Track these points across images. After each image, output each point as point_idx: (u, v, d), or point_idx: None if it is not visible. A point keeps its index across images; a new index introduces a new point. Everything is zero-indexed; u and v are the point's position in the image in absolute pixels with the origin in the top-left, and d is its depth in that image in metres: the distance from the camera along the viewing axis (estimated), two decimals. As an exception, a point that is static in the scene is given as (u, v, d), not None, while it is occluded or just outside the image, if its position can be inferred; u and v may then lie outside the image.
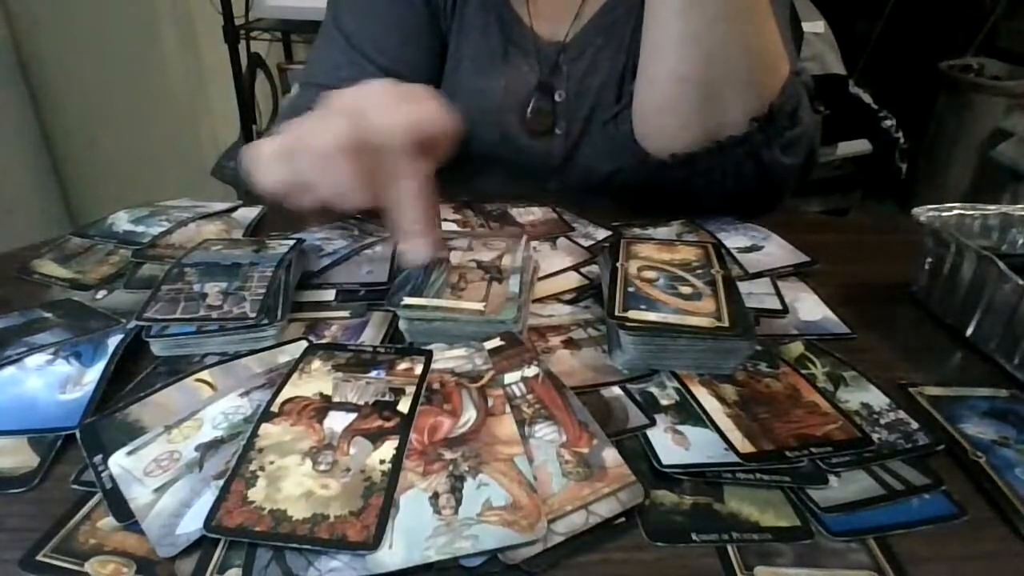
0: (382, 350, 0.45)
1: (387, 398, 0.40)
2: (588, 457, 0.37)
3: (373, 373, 0.42)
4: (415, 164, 0.46)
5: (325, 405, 0.39)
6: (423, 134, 0.45)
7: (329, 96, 0.48)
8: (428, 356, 0.44)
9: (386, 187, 0.46)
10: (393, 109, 0.45)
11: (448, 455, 0.36)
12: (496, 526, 0.32)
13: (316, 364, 0.43)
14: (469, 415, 0.39)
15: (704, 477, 0.37)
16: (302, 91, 0.76)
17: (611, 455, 0.37)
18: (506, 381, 0.42)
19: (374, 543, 0.31)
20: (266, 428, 0.38)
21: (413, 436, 0.37)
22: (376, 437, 0.37)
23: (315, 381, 0.41)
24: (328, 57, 0.75)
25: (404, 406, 0.39)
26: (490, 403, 0.40)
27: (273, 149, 0.47)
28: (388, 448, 0.36)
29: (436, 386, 0.41)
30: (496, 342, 0.45)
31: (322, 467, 0.35)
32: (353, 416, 0.39)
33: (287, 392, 0.40)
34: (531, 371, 0.42)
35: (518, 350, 0.44)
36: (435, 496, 0.34)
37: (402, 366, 0.43)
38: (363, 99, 0.46)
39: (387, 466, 0.35)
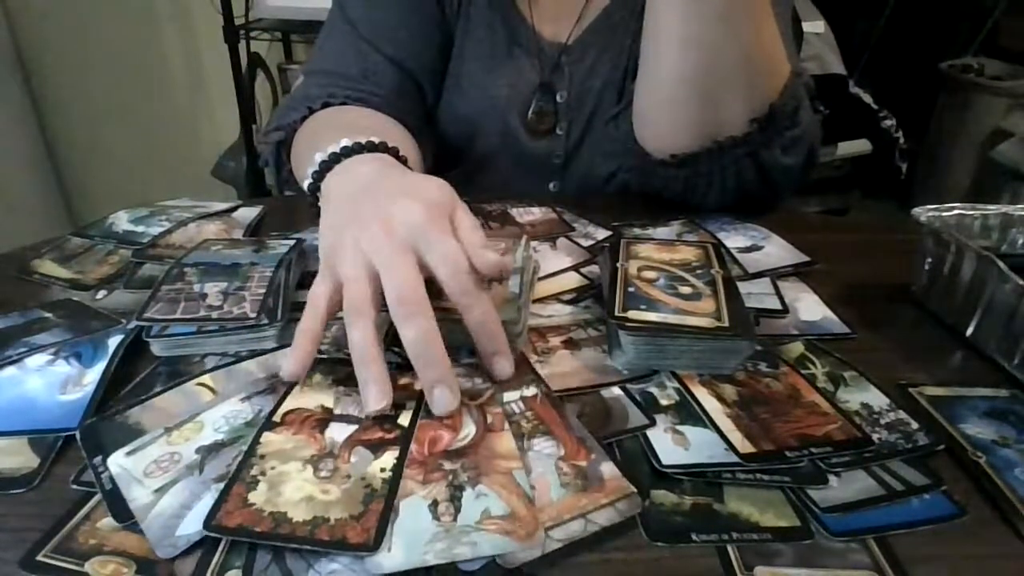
0: None
1: (388, 412, 0.40)
2: (586, 470, 0.37)
3: None
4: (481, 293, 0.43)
5: (326, 417, 0.39)
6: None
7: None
8: None
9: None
10: (445, 246, 0.42)
11: (448, 465, 0.36)
12: (494, 534, 0.32)
13: (317, 378, 0.43)
14: (468, 430, 0.39)
15: (704, 477, 0.37)
16: (307, 79, 0.75)
17: (609, 468, 0.37)
18: (505, 399, 0.42)
19: (374, 545, 0.31)
20: (268, 436, 0.38)
21: (413, 447, 0.37)
22: (377, 447, 0.37)
23: (317, 394, 0.41)
24: (334, 45, 0.75)
25: (404, 420, 0.39)
26: (489, 420, 0.40)
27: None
28: (389, 457, 0.36)
29: None
30: None
31: (323, 474, 0.35)
32: (354, 428, 0.39)
33: (289, 404, 0.40)
34: (530, 391, 0.42)
35: (518, 371, 0.44)
36: (434, 504, 0.34)
37: (402, 381, 0.43)
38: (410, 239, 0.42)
39: (387, 474, 0.35)
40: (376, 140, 0.53)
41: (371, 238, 0.42)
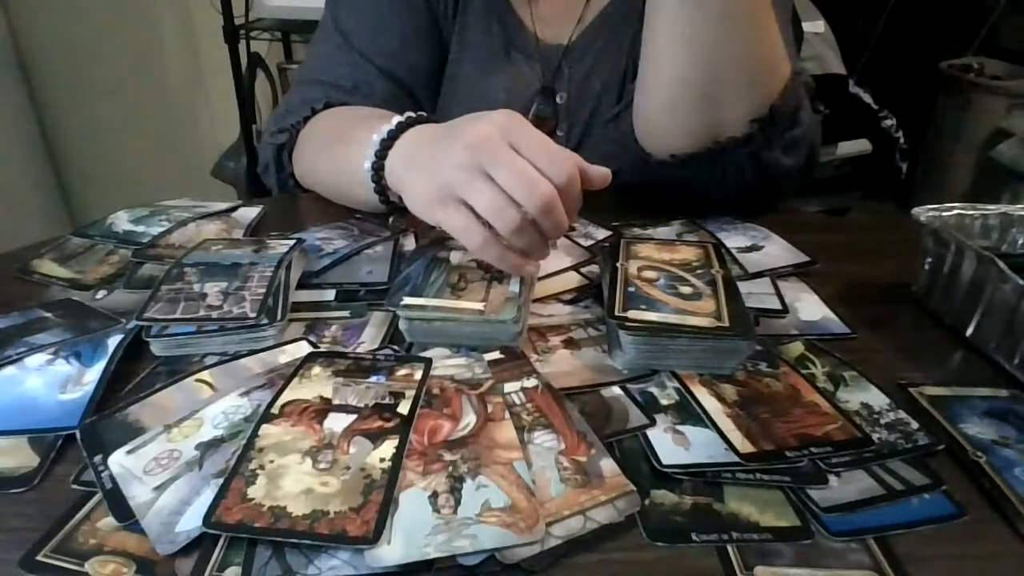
0: (382, 357, 0.45)
1: (387, 401, 0.40)
2: (586, 465, 0.37)
3: (373, 378, 0.42)
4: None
5: (325, 407, 0.39)
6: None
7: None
8: (428, 363, 0.44)
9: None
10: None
11: (448, 456, 0.36)
12: (495, 527, 0.32)
13: (316, 370, 0.43)
14: (469, 419, 0.39)
15: (704, 477, 0.37)
16: (299, 88, 0.76)
17: (608, 465, 0.37)
18: (506, 390, 0.42)
19: (374, 538, 0.31)
20: (266, 429, 0.38)
21: (413, 437, 0.38)
22: (376, 437, 0.37)
23: (315, 385, 0.41)
24: (326, 55, 0.75)
25: (404, 408, 0.39)
26: (490, 409, 0.40)
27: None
28: (388, 447, 0.37)
29: (436, 391, 0.41)
30: (496, 355, 0.45)
31: (322, 465, 0.35)
32: (353, 417, 0.39)
33: (287, 395, 0.40)
34: (531, 382, 0.42)
35: (518, 363, 0.44)
36: (434, 495, 0.34)
37: (402, 372, 0.43)
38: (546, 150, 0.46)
39: (387, 464, 0.35)
40: (424, 114, 0.58)
41: (465, 152, 0.46)
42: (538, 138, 0.46)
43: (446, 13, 0.75)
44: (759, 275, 0.57)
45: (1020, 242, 0.56)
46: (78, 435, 0.39)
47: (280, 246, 0.55)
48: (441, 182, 0.47)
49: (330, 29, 0.75)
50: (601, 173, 0.48)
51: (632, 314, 0.45)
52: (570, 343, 0.48)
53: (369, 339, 0.48)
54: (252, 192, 1.83)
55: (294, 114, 0.73)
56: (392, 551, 0.31)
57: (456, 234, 0.47)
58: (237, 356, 0.46)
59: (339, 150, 0.64)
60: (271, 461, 0.35)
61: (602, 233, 0.64)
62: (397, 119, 0.56)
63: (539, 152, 0.45)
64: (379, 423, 0.38)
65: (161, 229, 0.63)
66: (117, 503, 0.34)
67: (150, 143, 2.07)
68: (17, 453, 0.39)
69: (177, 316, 0.47)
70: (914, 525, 0.35)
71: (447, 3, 0.75)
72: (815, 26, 1.60)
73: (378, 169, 0.56)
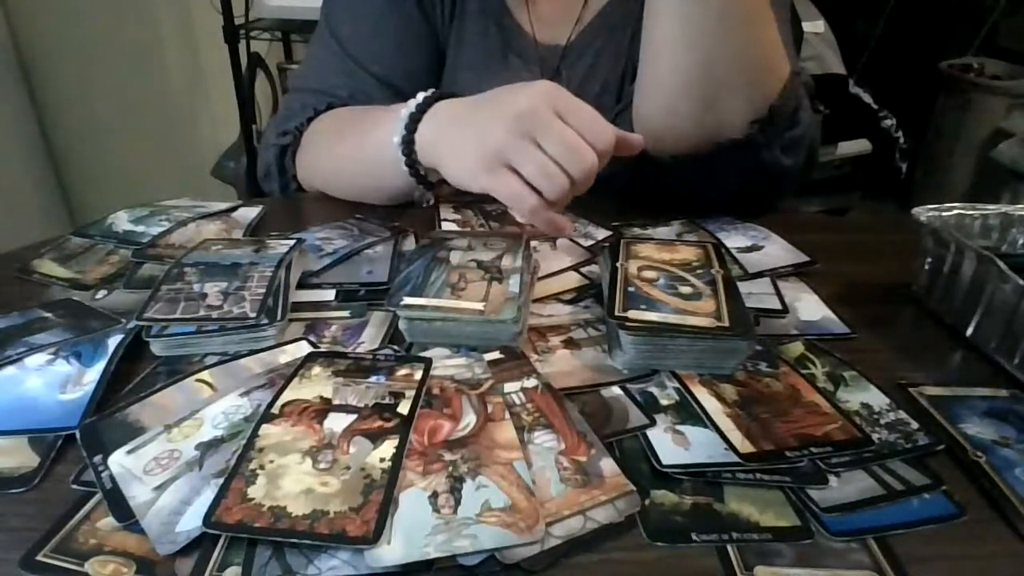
0: (382, 357, 0.45)
1: (387, 401, 0.40)
2: (586, 466, 0.37)
3: (373, 378, 0.42)
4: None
5: (325, 407, 0.40)
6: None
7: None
8: (428, 363, 0.44)
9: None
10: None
11: (448, 456, 0.36)
12: (495, 527, 0.32)
13: (316, 370, 0.43)
14: (469, 419, 0.39)
15: (704, 477, 0.37)
16: (295, 95, 0.76)
17: (608, 465, 0.37)
18: (506, 390, 0.42)
19: (374, 538, 0.31)
20: (266, 429, 0.38)
21: (413, 437, 0.38)
22: (376, 437, 0.37)
23: (315, 385, 0.41)
24: (321, 63, 0.75)
25: (404, 408, 0.39)
26: (490, 409, 0.40)
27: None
28: (388, 447, 0.37)
29: (436, 391, 0.41)
30: (495, 355, 0.45)
31: (322, 465, 0.35)
32: (353, 417, 0.39)
33: (287, 395, 0.40)
34: (530, 382, 0.42)
35: (517, 363, 0.44)
36: (434, 495, 0.34)
37: (402, 372, 0.43)
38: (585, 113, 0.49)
39: (387, 464, 0.35)
40: (449, 91, 0.59)
41: (515, 121, 0.48)
42: (582, 108, 0.49)
43: (442, 17, 0.75)
44: (759, 275, 0.57)
45: (1020, 242, 0.56)
46: (78, 435, 0.39)
47: (280, 246, 0.55)
48: (490, 148, 0.49)
49: (325, 36, 0.75)
50: (637, 139, 0.53)
51: (632, 314, 0.45)
52: (570, 343, 0.48)
53: (369, 339, 0.48)
54: (252, 192, 1.83)
55: (296, 118, 0.73)
56: (392, 551, 0.31)
57: (508, 199, 0.49)
58: (237, 356, 0.46)
59: (357, 137, 0.65)
60: (271, 461, 0.35)
61: (602, 233, 0.64)
62: (423, 94, 0.58)
63: (584, 122, 0.48)
64: (379, 423, 0.38)
65: (161, 229, 0.63)
66: (117, 503, 0.34)
67: (150, 143, 2.06)
68: (17, 453, 0.39)
69: (177, 316, 0.47)
70: (914, 525, 0.35)
71: (443, 7, 0.75)
72: (815, 26, 1.61)
73: (408, 143, 0.57)
